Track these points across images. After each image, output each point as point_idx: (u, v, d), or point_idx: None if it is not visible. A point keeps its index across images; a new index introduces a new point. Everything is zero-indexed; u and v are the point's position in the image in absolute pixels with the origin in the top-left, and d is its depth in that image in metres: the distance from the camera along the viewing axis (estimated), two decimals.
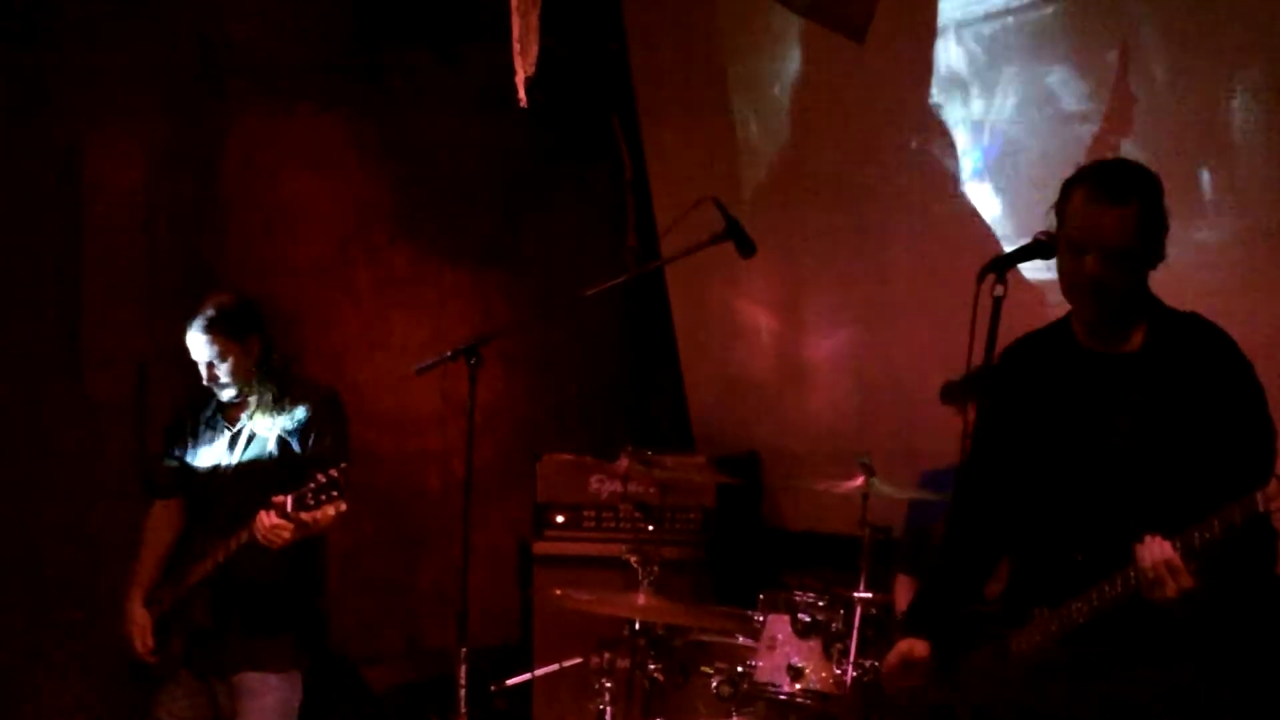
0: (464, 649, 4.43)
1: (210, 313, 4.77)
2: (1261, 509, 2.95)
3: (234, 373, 4.78)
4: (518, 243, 7.21)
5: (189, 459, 4.90)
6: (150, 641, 4.79)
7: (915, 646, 3.50)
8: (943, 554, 3.70)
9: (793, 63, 6.62)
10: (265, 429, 4.78)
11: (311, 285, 6.76)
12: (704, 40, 6.92)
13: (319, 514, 4.48)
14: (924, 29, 6.04)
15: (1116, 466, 3.27)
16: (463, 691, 4.44)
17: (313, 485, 4.44)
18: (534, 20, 4.86)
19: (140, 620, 4.80)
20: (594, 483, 6.39)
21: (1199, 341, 3.30)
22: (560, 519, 6.47)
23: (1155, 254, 3.32)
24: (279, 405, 4.80)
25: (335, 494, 4.45)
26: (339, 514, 4.56)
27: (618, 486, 6.17)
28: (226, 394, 4.82)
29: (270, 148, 6.67)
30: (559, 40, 6.18)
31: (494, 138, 6.98)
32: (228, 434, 4.83)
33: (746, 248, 4.75)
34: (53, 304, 6.14)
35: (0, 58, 5.95)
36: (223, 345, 4.74)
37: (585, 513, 6.44)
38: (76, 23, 6.10)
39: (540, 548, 6.48)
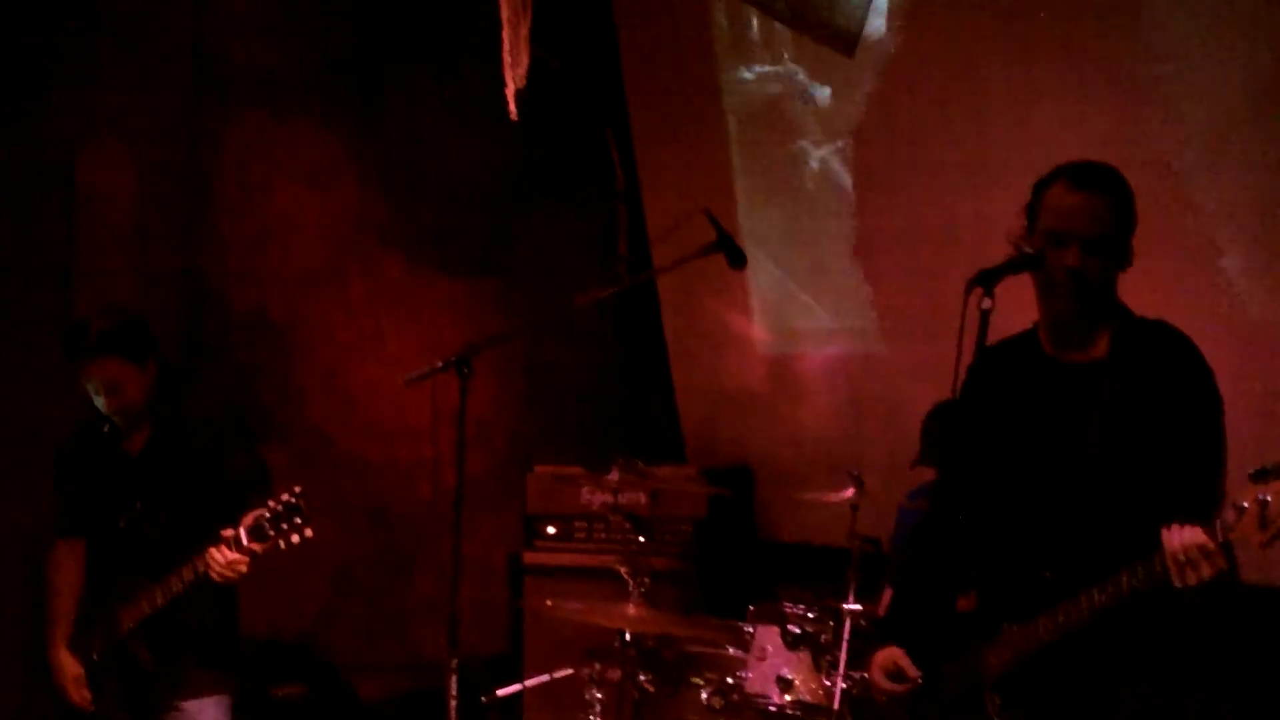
0: (454, 659, 4.43)
1: (107, 333, 4.38)
2: (1220, 538, 2.92)
3: (135, 396, 4.45)
4: (511, 254, 7.22)
5: (87, 494, 4.58)
6: (87, 692, 4.52)
7: (895, 654, 3.49)
8: (914, 567, 3.70)
9: (784, 75, 6.64)
10: (170, 453, 4.49)
11: (305, 296, 6.76)
12: (696, 52, 6.93)
13: (282, 542, 4.21)
14: (916, 41, 6.06)
15: (1085, 482, 3.26)
16: (453, 702, 4.44)
17: (267, 514, 4.19)
18: (524, 32, 4.89)
19: (72, 670, 4.55)
20: (585, 494, 6.38)
21: (1165, 350, 3.29)
22: (551, 530, 6.47)
23: (1126, 252, 3.32)
24: (180, 427, 4.51)
25: (299, 521, 4.19)
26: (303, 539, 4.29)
27: (609, 497, 6.13)
28: (126, 420, 4.50)
29: (264, 159, 6.67)
30: (552, 53, 6.22)
31: (488, 150, 6.98)
32: (130, 463, 4.52)
33: (737, 259, 4.75)
34: (44, 314, 6.12)
35: None
36: (120, 368, 4.40)
37: (576, 523, 6.44)
38: (72, 33, 6.10)
39: (531, 558, 6.49)
